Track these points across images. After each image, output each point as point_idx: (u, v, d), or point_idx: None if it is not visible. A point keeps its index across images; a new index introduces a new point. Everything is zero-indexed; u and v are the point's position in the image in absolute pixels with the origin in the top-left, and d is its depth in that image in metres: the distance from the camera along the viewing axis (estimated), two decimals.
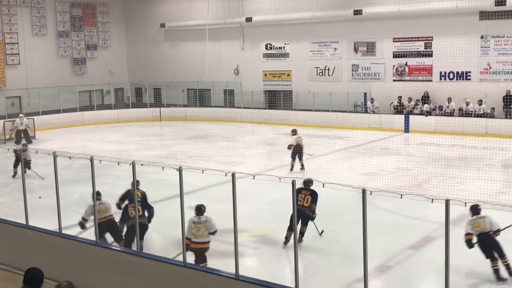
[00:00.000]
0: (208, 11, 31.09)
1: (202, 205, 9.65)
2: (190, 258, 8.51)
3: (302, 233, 10.98)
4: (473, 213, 9.64)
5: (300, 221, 10.77)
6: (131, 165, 8.39)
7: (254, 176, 8.35)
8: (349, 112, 27.66)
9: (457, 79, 25.78)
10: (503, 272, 9.25)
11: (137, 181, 10.52)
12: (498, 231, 9.43)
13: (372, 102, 26.89)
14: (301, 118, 28.24)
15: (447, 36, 25.18)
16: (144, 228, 10.34)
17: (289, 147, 17.58)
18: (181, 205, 7.91)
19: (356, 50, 28.55)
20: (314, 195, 11.10)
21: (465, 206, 12.53)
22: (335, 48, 29.11)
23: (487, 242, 9.36)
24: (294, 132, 17.85)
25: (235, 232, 7.40)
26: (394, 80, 27.44)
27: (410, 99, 26.15)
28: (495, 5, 23.33)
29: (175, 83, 33.36)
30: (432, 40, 26.24)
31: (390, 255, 10.26)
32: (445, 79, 26.10)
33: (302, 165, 17.46)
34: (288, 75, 30.92)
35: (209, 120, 30.66)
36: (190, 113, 32.05)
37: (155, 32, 34.84)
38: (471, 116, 23.90)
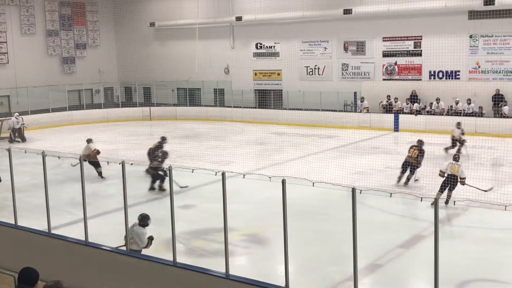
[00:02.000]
0: (198, 10, 31.01)
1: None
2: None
3: (408, 179, 14.93)
4: (452, 159, 13.13)
5: (408, 169, 14.98)
6: (121, 164, 8.36)
7: (244, 175, 8.35)
8: (339, 111, 27.71)
9: (446, 78, 25.92)
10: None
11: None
12: (463, 179, 12.78)
13: (362, 101, 26.95)
14: (291, 117, 28.27)
15: (436, 36, 25.30)
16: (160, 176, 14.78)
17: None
18: (171, 205, 7.90)
19: (346, 49, 28.61)
20: (421, 151, 15.11)
21: (454, 204, 12.63)
22: (325, 47, 29.17)
23: (451, 182, 12.68)
24: (458, 125, 19.89)
25: (225, 231, 7.39)
26: (383, 79, 27.54)
27: (396, 99, 26.26)
28: (484, 5, 23.43)
29: (165, 82, 33.27)
30: (421, 39, 26.35)
31: (380, 253, 10.29)
32: (434, 78, 26.23)
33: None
34: (278, 74, 30.94)
35: (199, 119, 30.60)
36: (180, 112, 31.96)
37: (144, 31, 34.67)
38: (460, 115, 24.03)
